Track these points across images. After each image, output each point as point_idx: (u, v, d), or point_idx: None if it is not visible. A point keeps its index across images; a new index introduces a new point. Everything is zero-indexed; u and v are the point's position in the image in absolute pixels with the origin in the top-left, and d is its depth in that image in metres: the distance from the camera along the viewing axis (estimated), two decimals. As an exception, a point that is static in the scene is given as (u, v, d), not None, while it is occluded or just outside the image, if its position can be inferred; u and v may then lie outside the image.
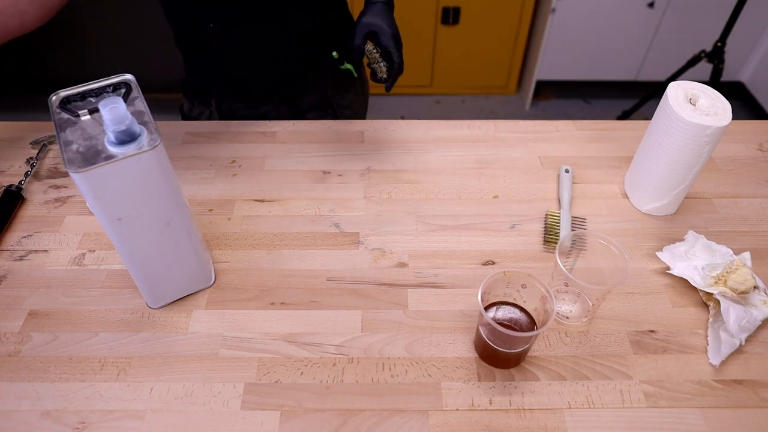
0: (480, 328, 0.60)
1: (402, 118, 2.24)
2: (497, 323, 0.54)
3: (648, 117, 0.80)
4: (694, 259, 0.70)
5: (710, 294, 0.66)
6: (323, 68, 0.98)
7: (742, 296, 0.64)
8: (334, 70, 0.99)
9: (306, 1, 0.87)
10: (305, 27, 0.90)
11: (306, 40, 0.92)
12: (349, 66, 0.97)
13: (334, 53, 0.94)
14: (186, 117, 1.06)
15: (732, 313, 0.62)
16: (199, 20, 0.86)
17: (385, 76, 0.80)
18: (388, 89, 0.80)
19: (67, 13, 2.38)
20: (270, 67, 0.93)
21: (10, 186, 0.81)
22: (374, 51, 0.79)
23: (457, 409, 0.58)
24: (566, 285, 0.65)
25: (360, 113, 1.10)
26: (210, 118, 1.01)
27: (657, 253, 0.72)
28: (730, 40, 1.83)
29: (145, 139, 0.52)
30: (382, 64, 0.80)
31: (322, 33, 0.93)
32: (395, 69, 0.79)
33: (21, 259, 0.73)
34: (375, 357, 0.62)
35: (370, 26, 0.78)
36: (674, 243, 0.73)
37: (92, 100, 0.56)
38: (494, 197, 0.82)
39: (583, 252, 0.67)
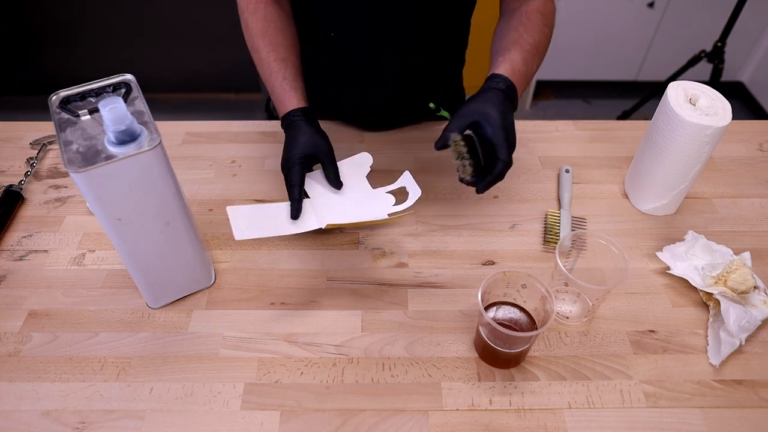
0: (480, 328, 0.60)
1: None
2: (497, 323, 0.54)
3: (648, 117, 0.80)
4: (694, 259, 0.70)
5: (710, 294, 0.66)
6: (417, 110, 0.91)
7: (742, 296, 0.64)
8: (430, 115, 0.90)
9: (427, 31, 0.82)
10: (414, 63, 0.85)
11: (411, 76, 0.87)
12: (445, 113, 0.82)
13: (431, 104, 0.86)
14: (270, 111, 1.05)
15: (732, 313, 0.62)
16: (321, 27, 0.82)
17: (468, 177, 0.61)
18: (479, 191, 0.62)
19: (67, 13, 2.38)
20: (368, 95, 0.89)
21: (10, 186, 0.81)
22: (461, 144, 0.60)
23: (457, 409, 0.58)
24: (566, 285, 0.65)
25: None
26: None
27: (657, 253, 0.72)
28: (730, 40, 1.83)
29: (145, 139, 0.52)
30: (467, 162, 0.60)
31: (429, 74, 0.88)
32: (496, 169, 0.60)
33: (21, 259, 0.73)
34: (375, 357, 0.62)
35: (474, 114, 0.61)
36: (674, 243, 0.73)
37: (92, 100, 0.56)
38: (494, 197, 0.82)
39: (583, 252, 0.67)
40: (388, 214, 0.67)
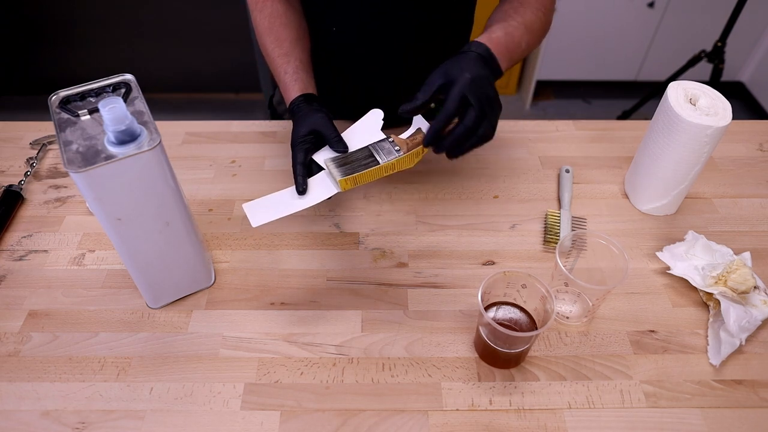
0: (480, 328, 0.60)
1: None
2: (497, 323, 0.54)
3: (648, 117, 0.80)
4: (694, 259, 0.70)
5: (710, 294, 0.66)
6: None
7: (742, 296, 0.64)
8: (430, 114, 0.92)
9: (427, 28, 0.82)
10: (416, 60, 0.84)
11: (412, 74, 0.85)
12: None
13: (432, 105, 0.88)
14: (273, 108, 1.05)
15: (732, 313, 0.62)
16: (323, 22, 0.82)
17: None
18: (427, 139, 0.60)
19: (67, 13, 2.38)
20: (368, 92, 0.88)
21: (10, 186, 0.81)
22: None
23: (457, 409, 0.58)
24: (566, 285, 0.65)
25: None
26: None
27: (657, 253, 0.72)
28: (730, 40, 1.83)
29: (145, 139, 0.52)
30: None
31: (430, 72, 0.88)
32: (456, 130, 0.59)
33: (21, 259, 0.73)
34: (375, 357, 0.62)
35: (446, 75, 0.60)
36: (674, 243, 0.73)
37: (92, 100, 0.56)
38: (494, 197, 0.82)
39: (583, 252, 0.67)
40: (404, 154, 0.62)
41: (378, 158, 0.62)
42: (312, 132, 0.67)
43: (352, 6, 0.78)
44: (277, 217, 0.62)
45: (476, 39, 0.67)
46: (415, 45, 0.83)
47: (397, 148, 0.64)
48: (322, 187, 0.64)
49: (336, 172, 0.63)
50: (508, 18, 0.70)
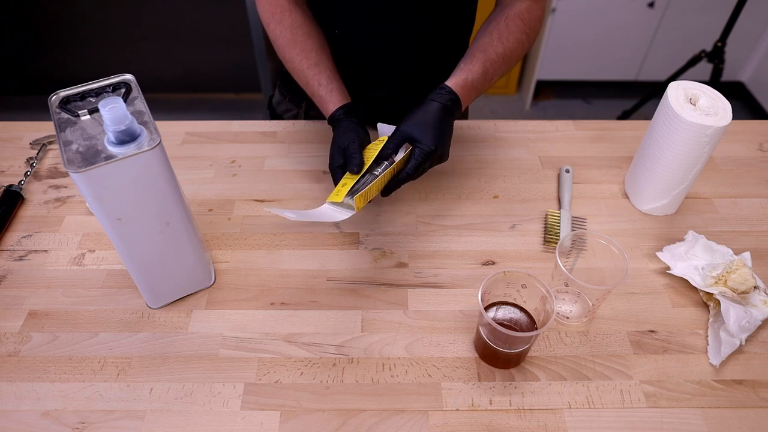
0: (480, 328, 0.60)
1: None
2: (497, 323, 0.54)
3: (648, 117, 0.80)
4: (694, 259, 0.70)
5: (710, 294, 0.66)
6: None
7: (742, 296, 0.64)
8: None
9: (429, 29, 0.83)
10: (415, 62, 0.86)
11: (412, 75, 0.88)
12: None
13: None
14: (273, 108, 1.05)
15: (732, 313, 0.62)
16: (326, 25, 0.82)
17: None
18: (385, 191, 0.68)
19: (67, 13, 2.38)
20: (370, 93, 0.88)
21: (10, 186, 0.81)
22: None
23: (457, 409, 0.58)
24: (566, 285, 0.65)
25: None
26: (296, 117, 1.00)
27: (657, 253, 0.72)
28: (730, 40, 1.83)
29: (145, 139, 0.52)
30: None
31: (431, 74, 0.87)
32: (401, 176, 0.66)
33: (21, 259, 0.73)
34: (375, 357, 0.62)
35: (409, 134, 0.67)
36: (674, 243, 0.73)
37: (92, 100, 0.56)
38: (494, 197, 0.82)
39: (583, 252, 0.67)
40: (393, 164, 0.67)
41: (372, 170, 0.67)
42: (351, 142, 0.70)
43: (355, 9, 0.78)
44: (310, 220, 0.64)
45: (451, 83, 0.70)
46: (417, 47, 0.83)
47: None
48: (336, 211, 0.66)
49: (345, 198, 0.65)
50: (491, 47, 0.72)
